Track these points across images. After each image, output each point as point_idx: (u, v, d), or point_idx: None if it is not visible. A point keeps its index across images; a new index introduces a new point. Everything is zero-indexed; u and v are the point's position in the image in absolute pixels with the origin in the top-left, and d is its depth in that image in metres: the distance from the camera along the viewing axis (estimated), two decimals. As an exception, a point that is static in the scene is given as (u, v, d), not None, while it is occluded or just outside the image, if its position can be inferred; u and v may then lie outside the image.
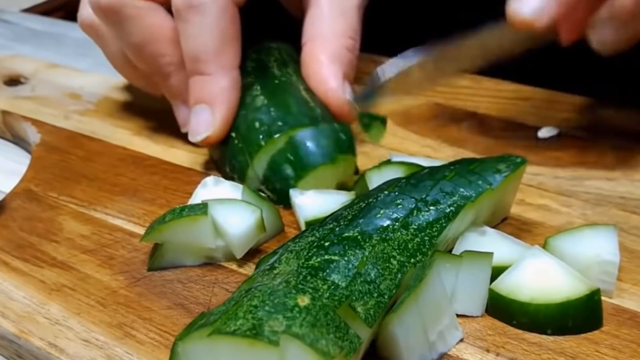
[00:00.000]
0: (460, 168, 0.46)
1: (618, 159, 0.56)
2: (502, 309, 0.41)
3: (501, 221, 0.50)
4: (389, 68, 0.54)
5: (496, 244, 0.44)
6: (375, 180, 0.49)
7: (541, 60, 0.76)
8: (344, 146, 0.52)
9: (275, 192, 0.52)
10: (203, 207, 0.45)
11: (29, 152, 0.65)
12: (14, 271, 0.47)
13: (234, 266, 0.47)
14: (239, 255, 0.46)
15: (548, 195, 0.52)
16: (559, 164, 0.56)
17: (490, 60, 0.55)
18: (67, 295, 0.45)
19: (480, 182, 0.45)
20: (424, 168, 0.48)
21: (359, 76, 0.60)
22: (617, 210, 0.50)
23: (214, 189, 0.50)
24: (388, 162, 0.53)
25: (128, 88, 0.72)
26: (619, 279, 0.43)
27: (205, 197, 0.48)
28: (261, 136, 0.52)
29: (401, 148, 0.56)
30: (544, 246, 0.44)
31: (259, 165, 0.52)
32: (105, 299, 0.44)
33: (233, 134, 0.55)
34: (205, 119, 0.55)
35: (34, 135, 0.64)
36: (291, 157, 0.51)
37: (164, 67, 0.57)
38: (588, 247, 0.43)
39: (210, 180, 0.51)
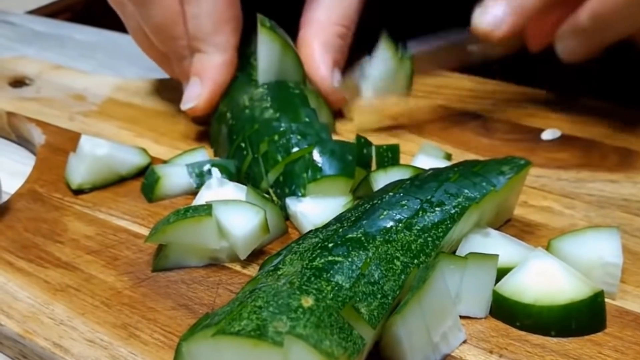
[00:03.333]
0: (464, 170, 0.46)
1: (621, 161, 0.56)
2: (506, 311, 0.41)
3: (504, 223, 0.50)
4: (375, 61, 0.59)
5: (500, 246, 0.44)
6: (380, 181, 0.49)
7: (544, 63, 0.76)
8: (363, 161, 0.53)
9: (283, 196, 0.52)
10: (207, 208, 0.45)
11: (33, 153, 0.65)
12: (18, 271, 0.48)
13: (238, 267, 0.47)
14: (243, 256, 0.46)
15: (551, 197, 0.52)
16: (562, 166, 0.56)
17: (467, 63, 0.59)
18: (72, 295, 0.45)
19: (484, 183, 0.45)
20: (427, 170, 0.48)
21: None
22: (620, 212, 0.50)
23: (218, 190, 0.51)
24: (393, 163, 0.53)
25: (131, 90, 0.72)
26: (622, 281, 0.43)
27: (209, 198, 0.48)
28: (279, 150, 0.53)
29: (405, 149, 0.56)
30: (547, 248, 0.44)
31: (273, 176, 0.53)
32: (109, 300, 0.45)
33: (242, 144, 0.55)
34: (195, 91, 0.60)
35: (38, 137, 0.64)
36: (311, 165, 0.51)
37: (179, 50, 0.61)
38: (591, 249, 0.43)
39: (214, 181, 0.51)
